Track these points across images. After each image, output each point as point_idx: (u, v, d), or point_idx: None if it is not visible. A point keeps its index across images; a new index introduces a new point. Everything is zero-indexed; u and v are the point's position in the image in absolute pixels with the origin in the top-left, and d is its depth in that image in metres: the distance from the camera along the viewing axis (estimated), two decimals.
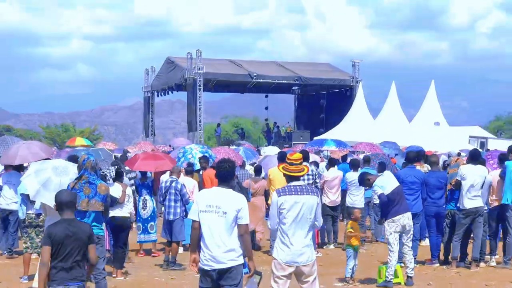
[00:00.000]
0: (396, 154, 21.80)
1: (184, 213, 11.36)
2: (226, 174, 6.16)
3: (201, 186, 13.10)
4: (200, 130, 35.35)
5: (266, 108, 42.80)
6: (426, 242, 12.70)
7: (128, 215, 10.77)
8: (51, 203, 6.75)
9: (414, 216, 10.49)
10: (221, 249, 5.98)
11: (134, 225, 12.48)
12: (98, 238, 7.66)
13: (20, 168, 11.97)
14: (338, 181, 13.53)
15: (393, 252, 9.60)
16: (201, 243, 6.15)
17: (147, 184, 12.56)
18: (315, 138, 30.07)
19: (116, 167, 11.43)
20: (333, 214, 13.70)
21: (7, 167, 11.94)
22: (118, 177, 10.73)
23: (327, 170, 14.10)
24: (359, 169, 13.67)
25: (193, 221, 6.19)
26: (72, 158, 10.95)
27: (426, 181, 11.18)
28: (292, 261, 6.40)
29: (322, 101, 41.06)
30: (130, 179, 13.41)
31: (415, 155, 12.13)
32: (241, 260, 6.09)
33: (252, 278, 6.45)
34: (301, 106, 44.59)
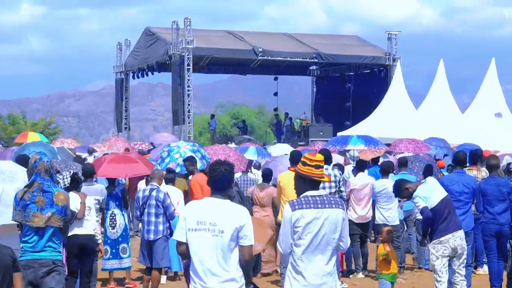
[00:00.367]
0: (446, 155, 21.78)
1: (168, 231, 11.38)
2: (221, 180, 6.12)
3: (187, 197, 13.15)
4: (189, 122, 35.28)
5: (275, 94, 42.65)
6: (484, 270, 12.74)
7: (93, 233, 10.79)
8: None
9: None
10: (218, 279, 5.97)
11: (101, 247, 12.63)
12: (55, 264, 7.67)
13: None
14: (369, 190, 13.51)
15: (441, 282, 9.57)
16: (191, 271, 6.14)
17: (115, 195, 12.51)
18: (338, 133, 30.10)
19: (71, 172, 11.47)
20: (362, 233, 13.74)
21: None
22: (75, 185, 10.52)
23: (354, 175, 14.14)
24: (393, 174, 13.70)
25: (179, 242, 6.17)
26: (22, 159, 10.81)
27: (483, 190, 11.17)
28: None
29: (349, 85, 41.01)
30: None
31: (465, 156, 12.01)
32: None
33: None
34: (321, 92, 44.54)
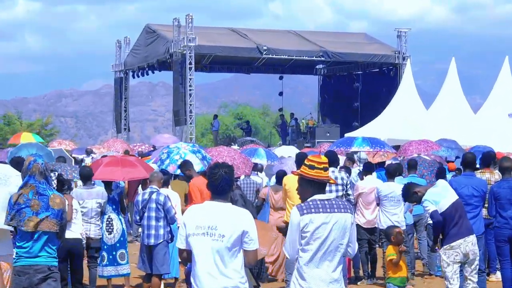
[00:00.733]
0: (457, 157, 21.69)
1: (169, 235, 11.47)
2: (222, 184, 6.16)
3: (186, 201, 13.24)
4: (190, 123, 35.32)
5: (281, 93, 42.73)
6: (497, 276, 12.70)
7: (80, 237, 10.84)
8: None
9: None
10: (218, 284, 5.99)
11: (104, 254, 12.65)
12: (51, 270, 7.65)
13: None
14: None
15: None
16: (191, 278, 6.18)
17: (112, 198, 12.49)
18: (346, 135, 30.02)
19: (56, 173, 11.29)
20: (370, 238, 13.78)
21: None
22: (60, 187, 10.53)
23: (361, 178, 14.19)
24: (402, 177, 13.66)
25: (180, 250, 6.23)
26: (16, 162, 10.58)
27: (495, 193, 11.11)
28: None
29: (357, 84, 40.86)
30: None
31: (474, 158, 11.96)
32: None
33: None
34: (327, 91, 44.45)
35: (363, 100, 40.08)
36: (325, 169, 6.48)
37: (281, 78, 42.46)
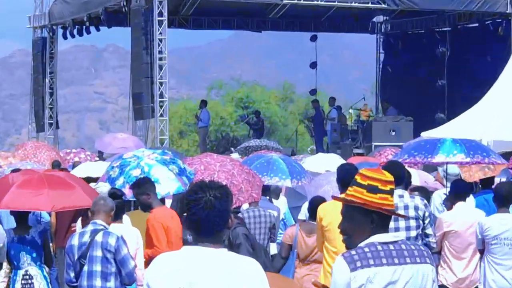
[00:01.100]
0: None
1: None
2: (209, 217, 5.81)
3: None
4: (161, 115, 34.79)
5: (313, 65, 42.92)
6: None
7: None
8: None
9: None
10: None
11: None
12: None
13: None
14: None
15: None
16: None
17: (30, 241, 12.45)
18: (423, 133, 29.53)
19: None
20: None
21: None
22: None
23: (449, 208, 13.83)
24: None
25: None
26: None
27: None
28: None
29: (442, 49, 40.34)
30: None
31: None
32: None
33: None
34: (392, 62, 44.45)
35: (452, 76, 39.91)
36: (392, 193, 6.16)
37: (313, 39, 42.25)
